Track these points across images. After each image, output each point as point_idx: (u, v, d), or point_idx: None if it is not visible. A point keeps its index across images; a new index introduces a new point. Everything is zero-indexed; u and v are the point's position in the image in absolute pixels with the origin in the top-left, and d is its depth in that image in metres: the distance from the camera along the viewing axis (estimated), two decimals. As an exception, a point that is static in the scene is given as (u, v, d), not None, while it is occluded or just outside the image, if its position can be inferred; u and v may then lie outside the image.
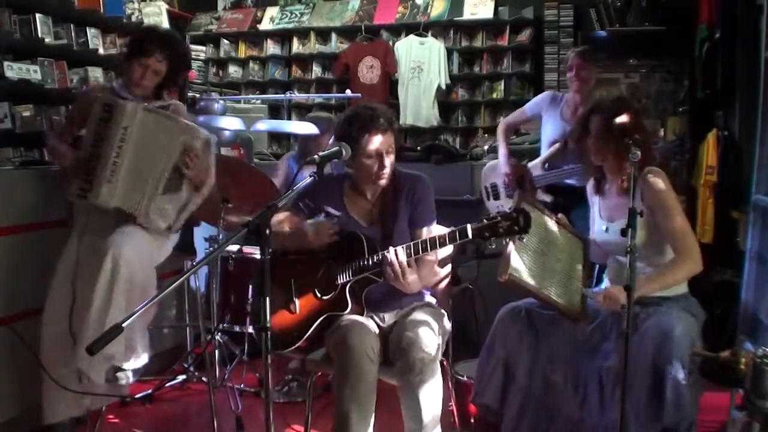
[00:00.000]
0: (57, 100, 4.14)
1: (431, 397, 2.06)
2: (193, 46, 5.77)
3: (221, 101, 4.13)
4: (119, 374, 2.45)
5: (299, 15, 5.73)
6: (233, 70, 5.91)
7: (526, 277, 2.17)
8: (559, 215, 2.42)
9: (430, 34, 5.38)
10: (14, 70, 3.82)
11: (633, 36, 4.72)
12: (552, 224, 2.38)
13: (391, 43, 5.46)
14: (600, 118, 2.31)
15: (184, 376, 3.23)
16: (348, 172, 2.35)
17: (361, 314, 2.27)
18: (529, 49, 5.23)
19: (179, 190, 2.56)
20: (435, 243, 2.09)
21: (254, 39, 5.86)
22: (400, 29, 5.50)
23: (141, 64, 2.57)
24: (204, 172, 2.57)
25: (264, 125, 3.78)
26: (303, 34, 5.71)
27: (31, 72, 3.93)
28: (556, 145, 3.46)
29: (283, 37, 5.83)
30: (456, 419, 2.58)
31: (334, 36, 5.64)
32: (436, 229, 2.30)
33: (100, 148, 2.46)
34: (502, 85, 5.32)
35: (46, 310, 2.43)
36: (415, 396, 2.04)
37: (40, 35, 4.00)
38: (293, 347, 2.26)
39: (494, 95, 5.36)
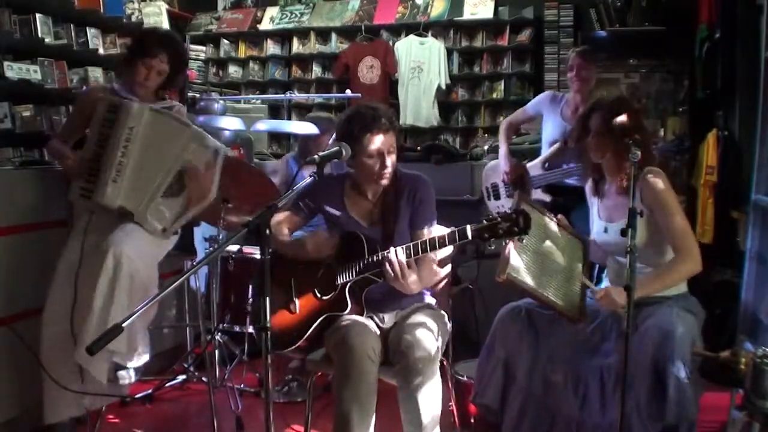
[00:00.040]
0: (57, 100, 4.14)
1: (430, 400, 2.05)
2: (193, 46, 5.78)
3: (221, 101, 4.13)
4: (121, 373, 2.46)
5: (299, 15, 5.73)
6: (233, 70, 5.91)
7: (525, 278, 2.17)
8: (559, 216, 2.42)
9: (430, 34, 5.38)
10: (14, 70, 3.82)
11: (633, 36, 4.72)
12: (552, 225, 2.38)
13: (391, 43, 5.47)
14: (600, 115, 2.31)
15: (184, 376, 3.23)
16: (349, 172, 2.34)
17: (361, 314, 2.26)
18: (529, 49, 5.23)
19: (179, 196, 2.55)
20: (435, 244, 2.08)
21: (254, 39, 5.86)
22: (400, 29, 5.50)
23: (145, 65, 2.57)
24: (205, 189, 2.56)
25: (264, 125, 3.78)
26: (303, 34, 5.71)
27: (31, 72, 3.93)
28: (556, 145, 3.46)
29: (283, 37, 5.83)
30: (456, 419, 2.58)
31: (334, 36, 5.64)
32: (437, 230, 2.30)
33: (104, 148, 2.46)
34: (502, 85, 5.32)
35: (46, 310, 2.43)
36: (414, 399, 2.04)
37: (40, 35, 4.00)
38: (293, 347, 2.26)
39: (494, 95, 5.36)
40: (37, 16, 3.98)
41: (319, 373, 2.35)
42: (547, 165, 3.53)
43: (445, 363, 2.31)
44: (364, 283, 2.21)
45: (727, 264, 3.59)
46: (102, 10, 4.36)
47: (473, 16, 5.31)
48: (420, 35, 5.37)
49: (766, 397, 1.81)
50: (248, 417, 2.87)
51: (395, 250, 2.11)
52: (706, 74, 4.18)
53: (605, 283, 2.47)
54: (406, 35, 5.43)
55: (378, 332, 2.22)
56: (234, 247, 3.05)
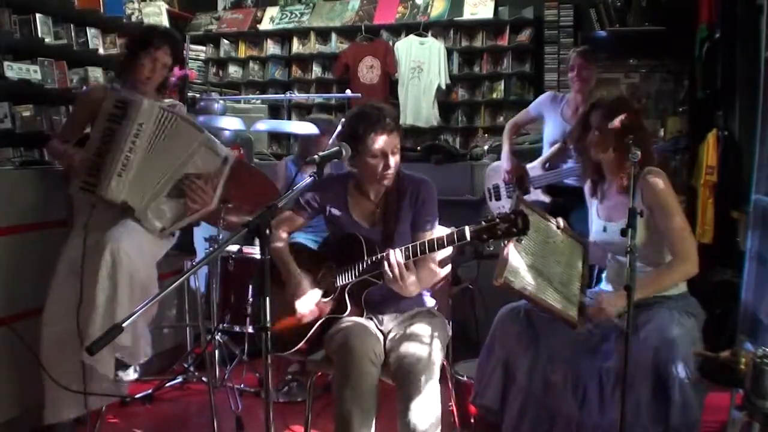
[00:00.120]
0: (57, 100, 4.14)
1: (427, 414, 2.02)
2: (193, 46, 5.77)
3: (221, 101, 4.12)
4: (125, 371, 2.45)
5: (299, 15, 5.73)
6: (233, 70, 5.91)
7: (523, 281, 2.14)
8: (559, 218, 2.41)
9: (430, 34, 5.38)
10: (14, 70, 3.82)
11: (633, 36, 4.72)
12: (551, 228, 2.36)
13: (391, 43, 5.47)
14: (601, 112, 2.31)
15: (184, 376, 3.23)
16: (352, 172, 2.34)
17: (361, 316, 2.26)
18: (529, 49, 5.23)
19: (182, 198, 2.55)
20: (433, 245, 2.08)
21: (254, 39, 5.87)
22: (400, 29, 5.50)
23: (150, 58, 2.57)
24: (207, 195, 2.55)
25: (264, 125, 3.78)
26: (303, 34, 5.71)
27: (31, 72, 3.94)
28: (557, 146, 3.46)
29: (283, 37, 5.83)
30: (456, 419, 2.58)
31: (334, 36, 5.64)
32: (437, 231, 2.29)
33: (109, 143, 2.45)
34: (502, 85, 5.32)
35: (47, 310, 2.42)
36: (412, 416, 2.01)
37: (40, 35, 4.00)
38: (293, 349, 2.26)
39: (494, 95, 5.36)
40: (37, 16, 3.99)
41: (319, 373, 2.35)
42: (547, 165, 3.53)
43: (445, 363, 2.30)
44: (363, 285, 2.20)
45: (727, 264, 3.59)
46: (102, 10, 4.36)
47: (473, 16, 5.31)
48: (420, 35, 5.38)
49: (766, 397, 1.81)
50: (248, 417, 2.87)
51: (394, 252, 2.10)
52: (706, 74, 4.18)
53: (604, 284, 2.47)
54: (406, 35, 5.43)
55: (378, 334, 2.22)
56: (234, 247, 3.05)
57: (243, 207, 2.88)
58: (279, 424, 2.80)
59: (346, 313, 2.21)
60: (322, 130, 3.43)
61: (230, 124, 3.47)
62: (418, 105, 5.37)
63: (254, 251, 3.01)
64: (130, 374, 2.47)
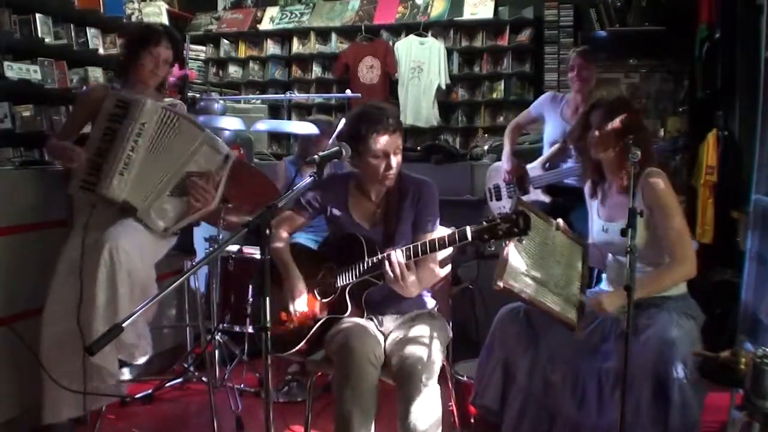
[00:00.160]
0: (57, 100, 4.14)
1: (428, 418, 2.02)
2: (193, 46, 5.78)
3: (221, 101, 4.12)
4: (124, 369, 2.46)
5: (299, 15, 5.73)
6: (233, 70, 5.91)
7: (522, 284, 2.13)
8: (558, 220, 2.41)
9: (430, 34, 5.38)
10: (14, 70, 3.82)
11: (633, 36, 4.72)
12: (551, 229, 2.35)
13: (391, 43, 5.47)
14: (601, 112, 2.31)
15: (184, 376, 3.23)
16: (353, 172, 2.34)
17: (361, 317, 2.25)
18: (529, 49, 5.23)
19: (185, 197, 2.55)
20: (434, 245, 2.07)
21: (254, 39, 5.87)
22: (400, 29, 5.50)
23: (152, 55, 2.57)
24: (209, 194, 2.55)
25: (264, 125, 3.78)
26: (303, 34, 5.71)
27: (31, 72, 3.94)
28: (557, 146, 3.46)
29: (283, 37, 5.83)
30: (456, 419, 2.58)
31: (334, 36, 5.65)
32: (438, 231, 2.29)
33: (111, 143, 2.45)
34: (502, 85, 5.32)
35: (46, 310, 2.42)
36: (413, 418, 2.01)
37: (40, 35, 4.00)
38: (293, 350, 2.25)
39: (494, 95, 5.36)
40: (37, 16, 3.99)
41: (319, 373, 2.35)
42: (548, 165, 3.53)
43: (445, 363, 2.30)
44: (364, 286, 2.19)
45: (727, 264, 3.59)
46: (102, 10, 4.36)
47: (473, 16, 5.31)
48: (420, 35, 5.38)
49: (766, 397, 1.81)
50: (248, 417, 2.87)
51: (395, 252, 2.09)
52: (706, 74, 4.18)
53: (605, 284, 2.47)
54: (406, 35, 5.44)
55: (378, 335, 2.21)
56: (234, 247, 3.05)
57: (243, 207, 2.89)
58: (279, 424, 2.79)
59: (347, 313, 2.21)
60: (321, 131, 3.43)
61: (230, 124, 3.46)
62: (418, 105, 5.37)
63: (254, 251, 3.01)
64: (125, 374, 2.48)
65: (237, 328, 3.06)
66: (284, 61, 5.84)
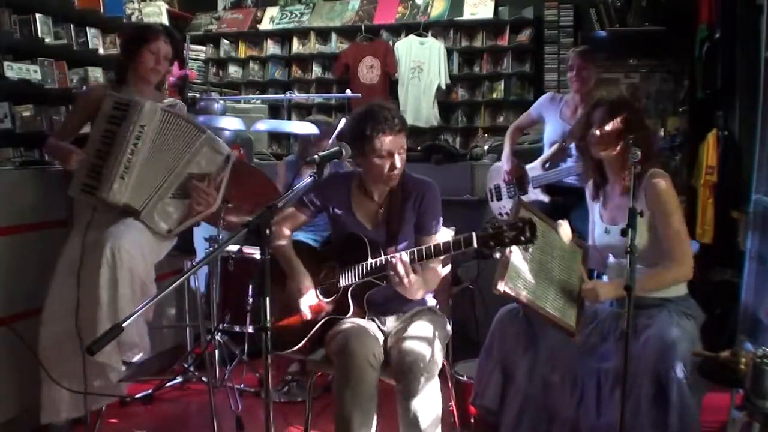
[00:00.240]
0: (57, 100, 4.14)
1: (428, 410, 2.03)
2: (193, 46, 5.77)
3: (221, 101, 4.12)
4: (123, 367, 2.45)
5: (299, 15, 5.73)
6: (233, 70, 5.91)
7: (523, 289, 2.13)
8: (559, 221, 2.41)
9: (430, 34, 5.38)
10: (14, 70, 3.82)
11: (633, 36, 4.72)
12: (550, 232, 2.34)
13: (391, 43, 5.46)
14: (602, 111, 2.30)
15: (184, 376, 3.23)
16: (356, 172, 2.33)
17: (363, 317, 2.25)
18: (529, 49, 5.23)
19: (187, 198, 2.55)
20: (440, 249, 2.06)
21: (254, 39, 5.86)
22: (400, 29, 5.50)
23: (152, 51, 2.57)
24: (211, 195, 2.54)
25: (264, 125, 3.78)
26: (303, 34, 5.71)
27: (31, 72, 3.93)
28: (556, 145, 3.46)
29: (283, 37, 5.83)
30: (456, 419, 2.58)
31: (334, 36, 5.64)
32: (440, 233, 2.29)
33: (110, 145, 2.45)
34: (502, 85, 5.32)
35: (46, 310, 2.42)
36: (412, 411, 2.01)
37: (40, 35, 4.00)
38: (294, 349, 2.25)
39: (494, 95, 5.36)
40: (37, 16, 3.99)
41: (319, 373, 2.35)
42: (547, 165, 3.53)
43: (445, 363, 2.30)
44: (366, 286, 2.19)
45: (727, 264, 3.59)
46: (102, 10, 4.36)
47: (473, 16, 5.31)
48: (420, 35, 5.37)
49: (766, 397, 1.81)
50: (248, 417, 2.87)
51: (400, 255, 2.08)
52: (706, 74, 4.18)
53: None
54: (406, 35, 5.43)
55: (379, 336, 2.21)
56: (234, 247, 3.05)
57: (243, 207, 2.89)
58: (279, 424, 2.80)
59: (349, 314, 2.20)
60: (321, 132, 3.43)
61: (230, 124, 3.46)
62: (418, 105, 5.37)
63: (254, 251, 3.01)
64: (124, 373, 2.47)
65: (237, 328, 3.06)
66: (284, 61, 5.84)
